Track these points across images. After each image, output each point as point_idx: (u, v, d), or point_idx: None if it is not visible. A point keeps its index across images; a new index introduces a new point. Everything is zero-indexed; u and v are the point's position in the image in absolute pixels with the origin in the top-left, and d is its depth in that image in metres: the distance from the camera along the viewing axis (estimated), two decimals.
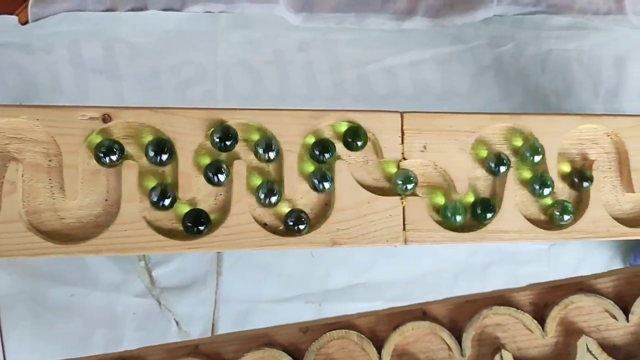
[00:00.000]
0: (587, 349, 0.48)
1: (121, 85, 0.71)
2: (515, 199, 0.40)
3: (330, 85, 0.71)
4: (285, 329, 0.49)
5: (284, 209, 0.36)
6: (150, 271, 0.68)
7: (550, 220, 0.40)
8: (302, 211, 0.36)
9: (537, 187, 0.39)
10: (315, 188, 0.36)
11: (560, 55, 0.72)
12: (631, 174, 0.41)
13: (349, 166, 0.37)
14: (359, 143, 0.36)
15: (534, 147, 0.39)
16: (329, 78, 0.71)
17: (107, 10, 0.71)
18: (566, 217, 0.39)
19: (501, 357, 0.48)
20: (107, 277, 0.68)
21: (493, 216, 0.38)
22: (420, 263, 0.71)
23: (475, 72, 0.72)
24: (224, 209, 0.35)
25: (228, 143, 0.34)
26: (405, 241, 0.38)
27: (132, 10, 0.71)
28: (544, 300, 0.51)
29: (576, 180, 0.40)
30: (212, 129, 0.35)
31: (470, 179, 0.39)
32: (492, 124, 0.39)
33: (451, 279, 0.71)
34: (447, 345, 0.49)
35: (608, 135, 0.41)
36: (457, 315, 0.51)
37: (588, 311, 0.51)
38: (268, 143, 0.35)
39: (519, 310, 0.49)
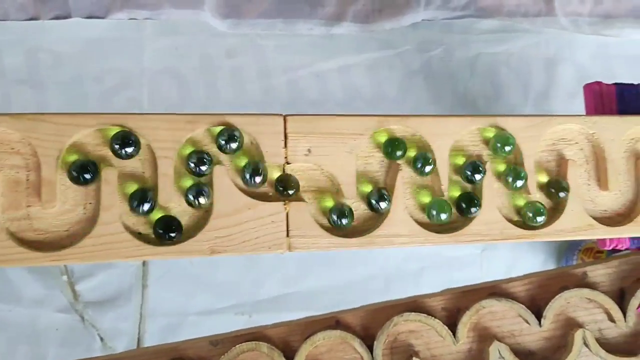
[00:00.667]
0: (500, 355, 0.48)
1: (45, 94, 0.69)
2: (406, 202, 0.39)
3: (259, 92, 0.70)
4: (195, 342, 0.48)
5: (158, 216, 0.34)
6: (74, 285, 0.66)
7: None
8: (171, 218, 0.34)
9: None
10: (190, 204, 0.35)
11: (489, 59, 0.72)
12: (534, 180, 0.41)
13: (228, 172, 0.36)
14: (233, 146, 0.35)
15: (425, 156, 0.38)
16: (258, 84, 0.70)
17: (30, 19, 0.70)
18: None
19: None
20: (30, 293, 0.66)
21: (382, 220, 0.38)
22: (354, 270, 0.70)
23: (404, 76, 0.71)
24: (93, 218, 0.34)
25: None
26: (290, 248, 0.37)
27: (56, 18, 0.69)
28: (456, 305, 0.50)
29: (468, 181, 0.39)
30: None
31: (360, 182, 0.38)
32: (381, 126, 0.38)
33: (384, 286, 0.70)
34: (360, 354, 0.48)
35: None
36: (370, 323, 0.50)
37: (501, 316, 0.50)
38: (125, 137, 0.33)
39: (430, 317, 0.48)
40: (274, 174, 0.36)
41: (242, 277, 0.69)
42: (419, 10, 0.70)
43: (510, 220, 0.40)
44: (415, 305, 0.51)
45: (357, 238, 0.37)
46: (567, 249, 0.69)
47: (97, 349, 0.65)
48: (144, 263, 0.67)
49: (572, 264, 0.70)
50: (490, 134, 0.40)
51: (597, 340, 0.49)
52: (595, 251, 0.60)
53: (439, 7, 0.70)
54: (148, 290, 0.67)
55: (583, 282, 0.49)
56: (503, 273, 0.70)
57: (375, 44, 0.71)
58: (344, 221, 0.36)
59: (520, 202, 0.41)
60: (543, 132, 0.41)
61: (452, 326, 0.49)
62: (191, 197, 0.34)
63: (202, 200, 0.34)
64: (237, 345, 0.47)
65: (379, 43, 0.71)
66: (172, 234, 0.33)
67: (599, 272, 0.49)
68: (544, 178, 0.41)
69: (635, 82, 0.49)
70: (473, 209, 0.38)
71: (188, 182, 0.35)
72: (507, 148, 0.40)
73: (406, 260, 0.70)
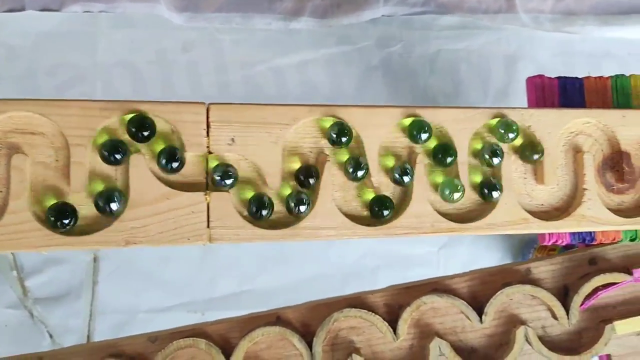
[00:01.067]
0: (440, 351, 0.47)
1: None
2: (335, 195, 0.38)
3: (216, 87, 0.69)
4: (133, 339, 0.47)
5: None
6: (23, 281, 0.65)
7: (372, 215, 0.38)
8: (67, 205, 0.33)
9: (353, 174, 0.38)
10: (101, 211, 0.34)
11: (449, 55, 0.71)
12: (458, 168, 0.40)
13: (146, 160, 0.35)
14: (145, 134, 0.34)
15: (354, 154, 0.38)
16: (214, 79, 0.69)
17: None
18: (385, 213, 0.38)
19: None
20: None
21: (308, 211, 0.37)
22: (309, 267, 0.69)
23: (363, 72, 0.70)
24: (3, 207, 0.33)
25: None
26: (210, 239, 0.36)
27: (10, 11, 0.68)
28: (398, 301, 0.49)
29: (397, 175, 0.38)
30: None
31: (285, 173, 0.37)
32: (309, 116, 0.37)
33: (340, 283, 0.69)
34: (299, 350, 0.47)
35: (436, 128, 0.40)
36: (310, 320, 0.49)
37: (444, 312, 0.49)
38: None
39: (370, 313, 0.47)
40: (198, 163, 0.35)
41: (196, 274, 0.68)
42: (379, 5, 0.69)
43: (441, 213, 0.39)
44: (357, 301, 0.50)
45: (281, 230, 0.36)
46: (524, 247, 0.68)
47: (45, 345, 0.64)
48: (94, 259, 0.66)
49: None
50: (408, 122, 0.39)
51: (541, 337, 0.48)
52: (549, 249, 0.60)
53: (399, 3, 0.69)
54: (98, 286, 0.65)
55: (526, 279, 0.49)
56: (460, 271, 0.69)
57: (333, 39, 0.71)
58: (264, 212, 0.35)
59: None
60: (476, 124, 0.40)
61: (394, 322, 0.48)
62: (100, 204, 0.33)
63: (114, 206, 0.33)
64: (175, 342, 0.46)
65: (337, 38, 0.71)
66: (66, 221, 0.32)
67: (543, 269, 0.49)
68: (477, 172, 0.41)
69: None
70: (386, 212, 0.38)
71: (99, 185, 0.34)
72: (424, 136, 0.39)
73: (363, 258, 0.70)
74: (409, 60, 0.71)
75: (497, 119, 0.41)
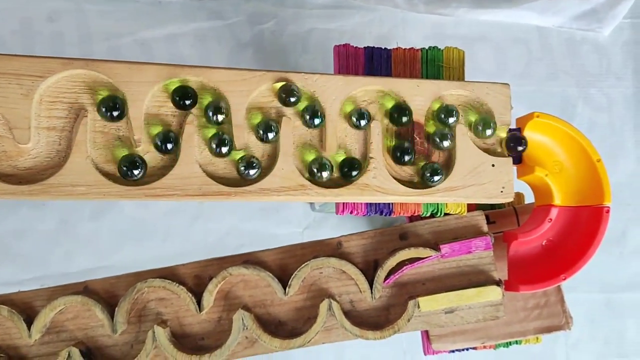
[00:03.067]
0: (243, 323, 0.46)
1: None
2: (93, 153, 0.37)
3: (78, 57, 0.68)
4: None
5: None
6: None
7: (123, 176, 0.37)
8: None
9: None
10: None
11: (322, 35, 0.70)
12: (234, 131, 0.38)
13: None
14: None
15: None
16: (78, 50, 0.68)
17: None
18: (136, 172, 0.37)
19: (153, 332, 0.46)
20: None
21: (59, 169, 0.35)
22: (170, 245, 0.68)
23: (234, 48, 0.69)
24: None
25: None
26: None
27: None
28: (209, 273, 0.48)
29: (159, 142, 0.37)
30: None
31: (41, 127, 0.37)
32: (65, 70, 0.36)
33: None
34: (101, 320, 0.46)
35: (215, 90, 0.39)
36: (118, 290, 0.48)
37: (254, 285, 0.48)
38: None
39: (174, 283, 0.46)
40: None
41: (52, 249, 0.67)
42: None
43: (213, 176, 0.38)
44: (167, 272, 0.49)
45: (28, 185, 0.35)
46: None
47: None
48: None
49: None
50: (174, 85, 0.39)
51: (349, 312, 0.48)
52: None
53: None
54: None
55: (337, 253, 0.48)
56: None
57: (204, 13, 0.69)
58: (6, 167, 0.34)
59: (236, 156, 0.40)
60: (255, 87, 0.39)
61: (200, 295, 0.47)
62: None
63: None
64: None
65: (208, 13, 0.69)
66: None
67: (354, 243, 0.48)
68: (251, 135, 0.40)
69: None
70: (136, 172, 0.38)
71: None
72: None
73: (226, 236, 0.68)
74: (280, 38, 0.70)
75: (280, 83, 0.40)
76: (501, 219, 0.51)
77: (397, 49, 0.45)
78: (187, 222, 0.69)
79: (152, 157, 0.38)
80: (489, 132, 0.43)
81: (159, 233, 0.68)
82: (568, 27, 0.73)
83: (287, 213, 0.70)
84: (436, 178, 0.41)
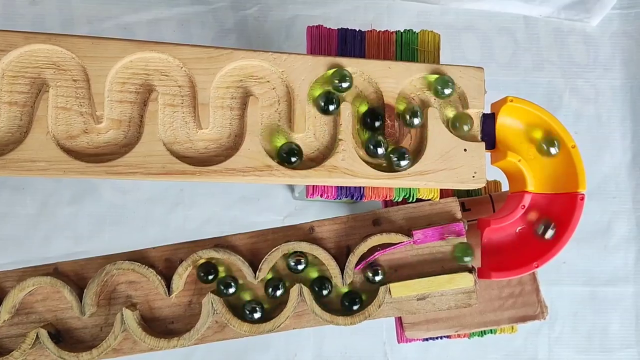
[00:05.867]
0: (212, 307, 0.45)
1: None
2: (54, 128, 0.36)
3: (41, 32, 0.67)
4: None
5: None
6: None
7: (93, 154, 0.37)
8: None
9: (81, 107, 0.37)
10: None
11: (306, 22, 0.69)
12: (199, 110, 0.38)
13: None
14: None
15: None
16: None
17: None
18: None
19: (122, 315, 0.45)
20: None
21: (18, 145, 0.35)
22: (150, 231, 0.68)
23: (217, 34, 0.69)
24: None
25: None
26: None
27: None
28: (179, 256, 0.48)
29: (129, 112, 0.36)
30: None
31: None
32: (27, 45, 0.36)
33: None
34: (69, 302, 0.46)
35: (181, 68, 0.38)
36: (88, 273, 0.48)
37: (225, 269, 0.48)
38: None
39: (143, 266, 0.46)
40: None
41: (30, 233, 0.66)
42: None
43: (178, 155, 0.38)
44: (137, 255, 0.48)
45: None
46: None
47: None
48: None
49: None
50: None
51: (320, 297, 0.47)
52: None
53: None
54: None
55: (309, 237, 0.47)
56: None
57: None
58: None
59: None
60: (222, 65, 0.38)
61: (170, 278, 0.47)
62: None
63: None
64: None
65: None
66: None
67: (326, 228, 0.47)
68: (225, 116, 0.39)
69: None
70: None
71: None
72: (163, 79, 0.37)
73: (206, 224, 0.68)
74: (264, 25, 0.70)
75: (246, 61, 0.39)
76: (477, 206, 0.50)
77: (371, 31, 0.45)
78: (167, 209, 0.68)
79: (114, 134, 0.37)
80: (447, 91, 0.42)
81: (139, 219, 0.68)
82: (556, 17, 0.72)
83: (268, 201, 0.69)
84: (403, 163, 0.41)
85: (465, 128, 0.41)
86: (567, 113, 0.72)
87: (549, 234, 0.43)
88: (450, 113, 0.43)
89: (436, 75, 0.42)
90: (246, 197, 0.69)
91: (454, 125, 0.42)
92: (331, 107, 0.40)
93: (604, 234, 0.72)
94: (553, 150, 0.43)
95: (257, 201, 0.69)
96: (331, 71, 0.40)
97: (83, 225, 0.67)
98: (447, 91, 0.42)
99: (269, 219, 0.69)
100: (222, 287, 0.45)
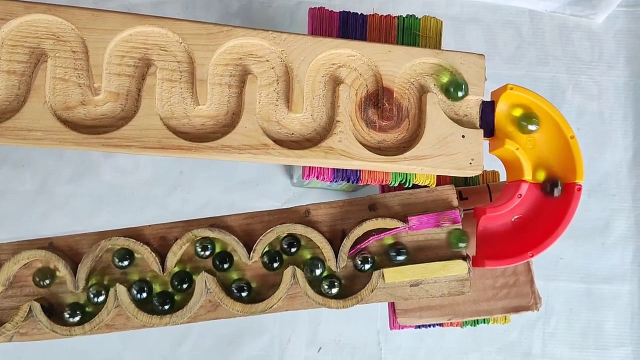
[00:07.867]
0: (206, 286, 0.45)
1: None
2: (52, 99, 0.36)
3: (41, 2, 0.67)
4: None
5: None
6: None
7: (89, 126, 0.37)
8: None
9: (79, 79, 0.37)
10: None
11: None
12: (197, 86, 0.38)
13: None
14: None
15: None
16: None
17: None
18: None
19: (116, 291, 0.45)
20: None
21: (15, 113, 0.35)
22: (148, 212, 0.68)
23: (221, 18, 0.69)
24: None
25: None
26: None
27: None
28: (174, 235, 0.48)
29: (127, 87, 0.36)
30: None
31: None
32: (27, 14, 0.36)
33: None
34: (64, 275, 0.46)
35: (180, 43, 0.38)
36: (82, 248, 0.48)
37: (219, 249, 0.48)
38: None
39: (138, 242, 0.46)
40: None
41: (28, 210, 0.66)
42: None
43: (175, 131, 0.38)
44: (131, 232, 0.48)
45: None
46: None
47: None
48: None
49: None
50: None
51: (314, 280, 0.47)
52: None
53: None
54: None
55: (304, 220, 0.47)
56: None
57: None
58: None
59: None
60: (221, 42, 0.38)
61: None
62: None
63: None
64: None
65: None
66: None
67: (322, 212, 0.47)
68: (222, 93, 0.39)
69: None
70: None
71: None
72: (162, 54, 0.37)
73: (205, 207, 0.68)
74: (269, 9, 0.69)
75: (246, 40, 0.39)
76: (474, 195, 0.50)
77: (373, 15, 0.45)
78: (166, 191, 0.68)
79: (111, 107, 0.37)
80: (460, 93, 0.42)
81: (137, 200, 0.68)
82: (561, 12, 0.72)
83: (267, 187, 0.69)
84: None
85: (460, 94, 0.41)
86: (569, 109, 0.72)
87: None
88: (445, 79, 0.43)
89: (449, 77, 0.42)
90: (245, 182, 0.69)
91: (448, 90, 0.42)
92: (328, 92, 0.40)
93: (602, 231, 0.72)
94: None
95: (256, 186, 0.69)
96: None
97: (81, 204, 0.67)
98: (460, 94, 0.42)
99: (268, 205, 0.69)
100: (218, 262, 0.45)
